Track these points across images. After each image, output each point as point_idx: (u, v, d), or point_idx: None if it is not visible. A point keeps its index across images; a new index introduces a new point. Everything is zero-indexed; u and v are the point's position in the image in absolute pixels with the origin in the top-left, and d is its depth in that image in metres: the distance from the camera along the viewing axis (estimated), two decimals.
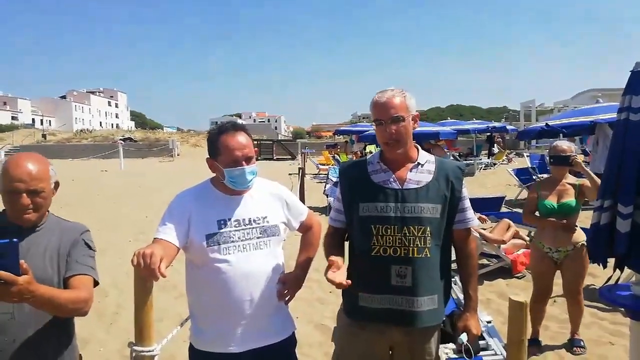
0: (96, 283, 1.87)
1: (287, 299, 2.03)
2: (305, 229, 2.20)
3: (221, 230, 1.90)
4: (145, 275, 1.60)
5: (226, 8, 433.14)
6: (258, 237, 1.96)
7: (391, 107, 1.85)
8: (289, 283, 2.02)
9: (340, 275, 1.73)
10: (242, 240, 1.92)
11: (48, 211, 1.89)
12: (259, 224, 1.97)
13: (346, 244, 2.09)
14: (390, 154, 1.93)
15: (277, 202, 2.08)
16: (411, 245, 1.84)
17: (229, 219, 1.93)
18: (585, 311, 3.85)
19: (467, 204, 1.99)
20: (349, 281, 1.72)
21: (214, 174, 2.00)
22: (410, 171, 1.92)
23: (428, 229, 1.85)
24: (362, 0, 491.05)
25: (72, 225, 1.93)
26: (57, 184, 1.88)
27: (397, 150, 1.90)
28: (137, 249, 1.64)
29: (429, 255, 1.86)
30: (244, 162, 1.90)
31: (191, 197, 1.97)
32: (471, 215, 2.00)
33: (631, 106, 2.39)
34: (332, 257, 1.77)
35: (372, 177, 1.93)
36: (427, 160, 1.96)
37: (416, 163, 1.93)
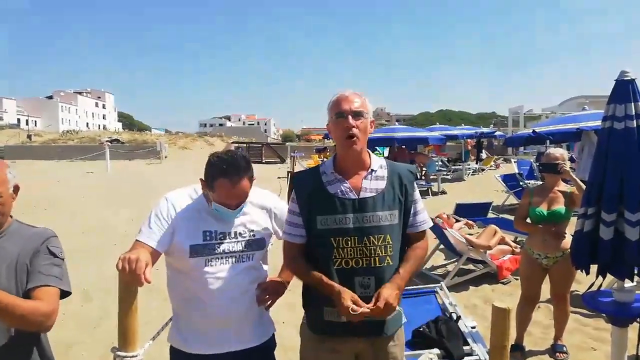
0: (66, 293, 1.73)
1: (267, 304, 2.04)
2: None
3: (206, 242, 1.91)
4: (130, 280, 1.59)
5: (216, 9, 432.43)
6: (242, 251, 1.97)
7: (355, 101, 1.85)
8: (269, 289, 2.03)
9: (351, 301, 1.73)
10: (226, 253, 1.93)
11: (11, 217, 1.77)
12: (244, 237, 1.98)
13: None
14: (348, 151, 1.85)
15: (265, 214, 2.08)
16: (373, 255, 1.82)
17: (215, 231, 1.93)
18: (569, 317, 3.89)
19: (420, 206, 1.97)
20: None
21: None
22: (365, 179, 1.88)
23: (388, 236, 1.83)
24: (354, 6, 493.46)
25: (35, 232, 1.77)
26: (16, 188, 1.75)
27: (355, 146, 1.83)
28: (122, 252, 1.63)
29: (390, 263, 1.84)
30: (233, 206, 1.89)
31: (179, 203, 1.96)
32: (425, 217, 1.98)
33: (615, 115, 2.43)
34: (336, 286, 1.77)
35: (328, 187, 1.87)
36: (380, 166, 1.93)
37: (370, 170, 1.90)
